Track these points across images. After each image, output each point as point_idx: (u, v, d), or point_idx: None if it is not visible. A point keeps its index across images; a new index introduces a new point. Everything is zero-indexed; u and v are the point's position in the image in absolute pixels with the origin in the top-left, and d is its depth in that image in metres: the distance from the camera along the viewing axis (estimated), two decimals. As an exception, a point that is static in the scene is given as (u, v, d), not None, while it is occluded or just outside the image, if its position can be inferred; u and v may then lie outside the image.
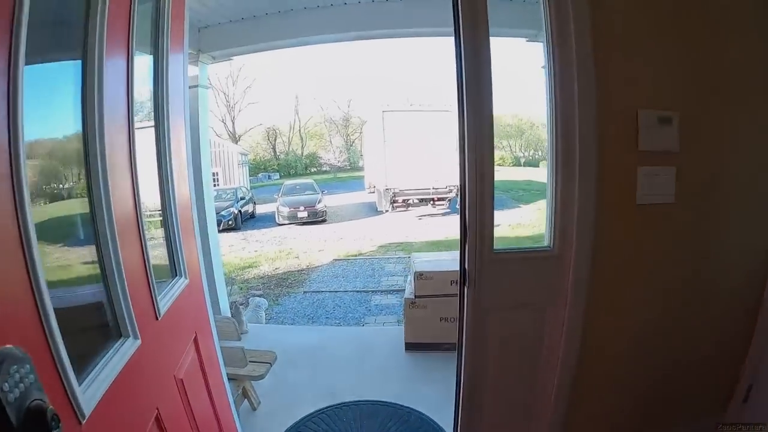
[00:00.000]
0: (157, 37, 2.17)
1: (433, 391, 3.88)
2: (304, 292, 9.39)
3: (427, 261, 4.97)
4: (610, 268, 2.37)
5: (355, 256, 12.74)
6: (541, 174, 44.35)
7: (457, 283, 3.79)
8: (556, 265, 2.36)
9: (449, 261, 4.82)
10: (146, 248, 1.79)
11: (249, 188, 33.02)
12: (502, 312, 2.42)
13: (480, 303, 2.36)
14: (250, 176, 40.74)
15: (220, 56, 5.25)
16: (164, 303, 1.92)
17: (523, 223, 16.83)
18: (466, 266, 2.34)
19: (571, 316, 2.36)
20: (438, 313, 4.71)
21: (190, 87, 5.27)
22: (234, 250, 14.38)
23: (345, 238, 15.38)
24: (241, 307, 5.43)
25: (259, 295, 9.09)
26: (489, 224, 2.33)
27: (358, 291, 9.27)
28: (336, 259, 12.28)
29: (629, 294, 2.48)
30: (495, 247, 2.35)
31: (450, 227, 16.37)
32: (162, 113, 2.18)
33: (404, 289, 9.48)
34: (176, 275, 2.28)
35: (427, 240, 14.66)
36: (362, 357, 4.73)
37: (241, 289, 9.80)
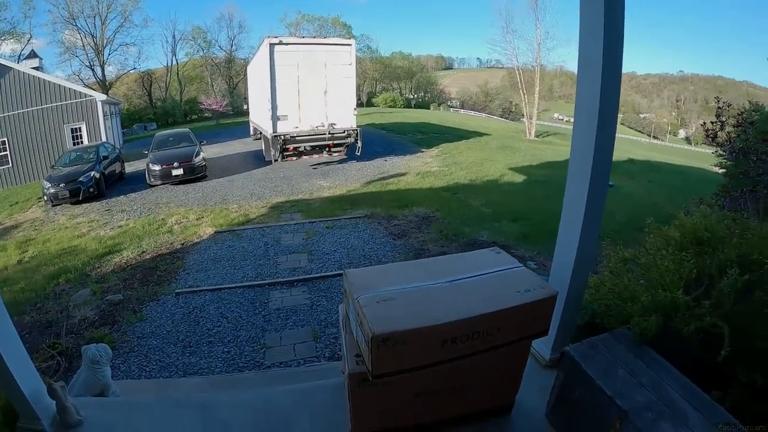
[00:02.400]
0: None
1: None
2: (177, 293, 6.63)
3: (382, 297, 2.32)
4: None
5: (242, 224, 10.00)
6: (434, 116, 43.92)
7: (454, 341, 2.24)
8: None
9: (423, 290, 2.38)
10: None
11: (121, 143, 28.60)
12: None
13: None
14: (123, 129, 36.45)
15: None
16: None
17: (431, 170, 15.03)
18: None
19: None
20: (414, 387, 2.49)
21: None
22: (94, 227, 10.93)
23: (229, 199, 12.48)
24: (59, 387, 2.85)
25: (113, 307, 6.44)
26: None
27: (249, 286, 6.71)
28: (218, 231, 9.46)
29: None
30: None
31: (351, 179, 14.24)
32: None
33: (310, 273, 7.06)
34: None
35: (328, 196, 12.28)
36: None
37: (94, 293, 6.83)
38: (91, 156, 15.53)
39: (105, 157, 15.93)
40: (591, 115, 2.59)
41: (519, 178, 14.07)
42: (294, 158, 15.79)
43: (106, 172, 15.28)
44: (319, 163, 16.68)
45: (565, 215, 2.92)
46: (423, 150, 19.71)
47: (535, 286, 2.43)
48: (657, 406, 2.13)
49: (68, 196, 13.56)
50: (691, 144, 65.34)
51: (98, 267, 8.16)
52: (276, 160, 15.50)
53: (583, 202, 2.71)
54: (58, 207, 13.58)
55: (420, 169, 15.28)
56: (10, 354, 2.67)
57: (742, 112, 5.25)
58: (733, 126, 5.16)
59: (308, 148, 15.68)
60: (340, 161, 16.95)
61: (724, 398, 2.20)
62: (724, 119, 5.24)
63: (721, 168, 5.58)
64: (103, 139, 22.79)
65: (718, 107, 5.33)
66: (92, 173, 14.13)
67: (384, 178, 14.12)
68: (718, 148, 5.39)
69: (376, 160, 17.14)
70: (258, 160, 18.19)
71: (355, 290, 2.39)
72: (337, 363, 4.14)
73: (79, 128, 24.31)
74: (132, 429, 2.83)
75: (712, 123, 5.35)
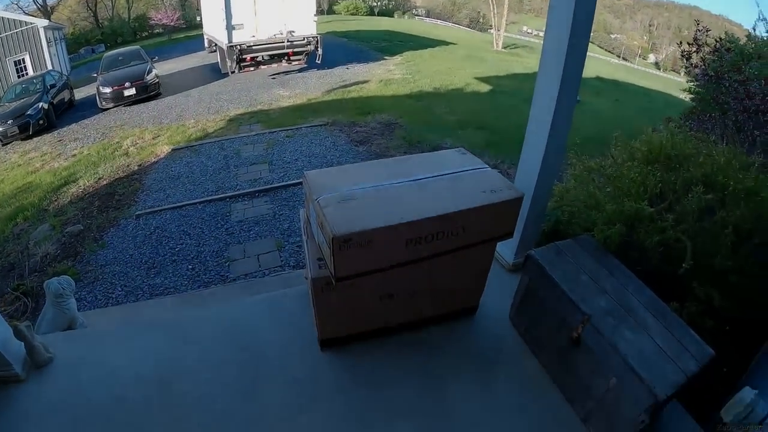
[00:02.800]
0: None
1: None
2: (137, 215, 6.38)
3: (343, 197, 2.20)
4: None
5: (200, 139, 9.53)
6: (399, 24, 42.18)
7: (418, 241, 2.16)
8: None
9: (386, 190, 2.27)
10: None
11: (68, 69, 26.65)
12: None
13: None
14: (69, 54, 33.91)
15: None
16: None
17: (394, 78, 14.55)
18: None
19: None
20: (379, 290, 2.44)
21: None
22: (47, 160, 10.17)
23: (185, 115, 11.81)
24: (25, 327, 2.70)
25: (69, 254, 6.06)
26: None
27: (210, 200, 6.50)
28: (175, 149, 9.03)
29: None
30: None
31: (311, 87, 13.66)
32: None
33: (271, 183, 6.97)
34: None
35: (288, 105, 11.77)
36: (248, 384, 2.49)
37: (53, 227, 6.48)
38: (38, 87, 14.30)
39: (52, 86, 14.67)
40: (564, 20, 2.40)
41: (485, 87, 13.72)
42: (252, 69, 14.99)
43: (54, 102, 14.13)
44: (278, 73, 15.82)
45: (533, 117, 2.78)
46: (386, 58, 18.88)
47: (501, 187, 2.33)
48: (619, 312, 2.14)
49: (18, 132, 12.55)
50: (659, 69, 64.72)
51: (55, 200, 7.73)
52: (233, 72, 14.70)
53: (552, 106, 2.57)
54: (8, 145, 12.56)
55: (383, 77, 14.66)
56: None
57: (719, 39, 5.19)
58: (709, 53, 5.08)
59: (266, 58, 14.87)
60: (300, 70, 16.08)
61: (681, 311, 2.24)
62: (700, 43, 5.17)
63: (690, 93, 5.56)
64: (49, 67, 20.95)
65: (697, 30, 5.23)
66: (40, 104, 13.05)
67: (346, 86, 13.55)
68: (692, 69, 5.34)
69: (338, 68, 16.32)
70: (214, 73, 17.11)
71: (315, 191, 2.24)
72: (302, 271, 4.10)
73: (23, 59, 22.26)
74: (101, 358, 2.72)
75: (689, 44, 5.25)
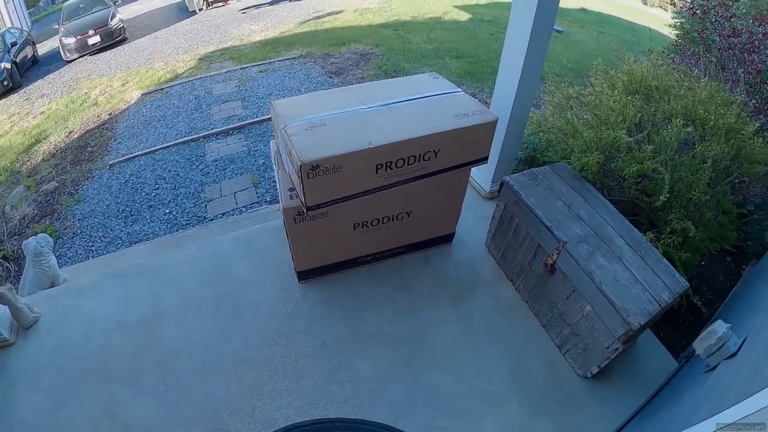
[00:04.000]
0: None
1: (379, 364, 2.24)
2: (111, 165, 6.13)
3: (311, 124, 2.09)
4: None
5: (170, 81, 9.09)
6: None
7: (389, 166, 2.11)
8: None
9: (355, 115, 2.17)
10: None
11: (29, 25, 25.13)
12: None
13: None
14: (28, 9, 31.91)
15: None
16: None
17: (370, 7, 13.90)
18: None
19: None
20: (352, 218, 2.37)
21: None
22: (16, 121, 9.54)
23: (154, 58, 11.19)
24: (8, 290, 2.59)
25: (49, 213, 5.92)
26: None
27: (184, 142, 6.23)
28: (145, 93, 8.59)
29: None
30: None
31: (283, 20, 13.03)
32: None
33: (245, 120, 6.80)
34: None
35: (260, 39, 11.19)
36: (228, 322, 2.49)
37: (28, 188, 6.19)
38: (-3, 47, 13.41)
39: (13, 44, 13.59)
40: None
41: (464, 16, 13.09)
42: (220, 4, 14.29)
43: (17, 61, 13.09)
44: (248, 7, 14.96)
45: (509, 40, 2.57)
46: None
47: (474, 110, 2.22)
48: (594, 239, 2.10)
49: None
50: (646, 5, 62.67)
51: (28, 160, 7.36)
52: (201, 9, 14.02)
53: (529, 27, 2.37)
54: (-26, 111, 11.91)
55: (358, 6, 13.87)
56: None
57: None
58: None
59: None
60: (271, 2, 15.26)
61: (657, 243, 2.23)
62: None
63: (675, 29, 5.34)
64: (8, 25, 19.56)
65: None
66: (2, 65, 12.01)
67: (319, 17, 12.88)
68: (678, 1, 5.10)
69: (310, -2, 15.57)
70: (182, 12, 16.09)
71: (283, 120, 2.12)
72: (278, 205, 4.04)
73: (-21, 19, 20.83)
74: (86, 311, 2.68)
75: None
